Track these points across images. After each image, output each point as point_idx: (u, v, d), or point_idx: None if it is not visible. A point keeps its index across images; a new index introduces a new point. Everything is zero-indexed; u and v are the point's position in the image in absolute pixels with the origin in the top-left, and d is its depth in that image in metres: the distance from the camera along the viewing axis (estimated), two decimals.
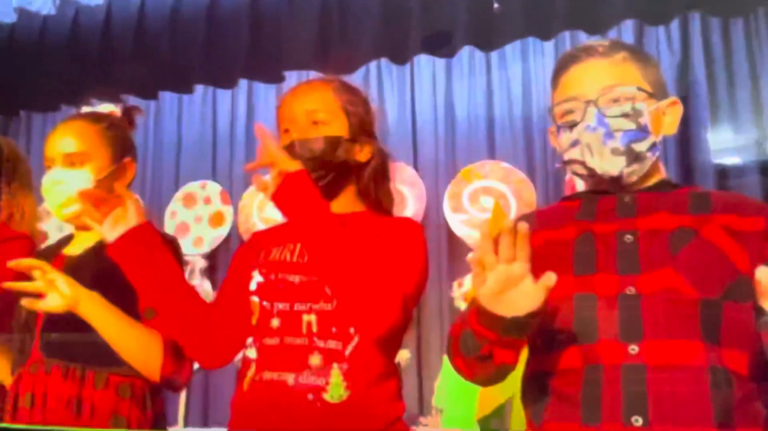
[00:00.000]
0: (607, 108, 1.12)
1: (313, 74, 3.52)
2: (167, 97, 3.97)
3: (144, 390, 1.37)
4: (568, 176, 3.33)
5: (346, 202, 1.31)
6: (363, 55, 3.36)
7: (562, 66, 1.18)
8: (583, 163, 1.14)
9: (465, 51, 3.51)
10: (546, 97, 3.54)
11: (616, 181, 1.14)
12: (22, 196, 1.76)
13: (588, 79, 1.14)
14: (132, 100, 3.64)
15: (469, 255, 3.30)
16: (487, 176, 3.45)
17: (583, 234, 1.12)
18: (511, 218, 3.09)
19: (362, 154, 1.31)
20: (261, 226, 3.73)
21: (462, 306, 3.15)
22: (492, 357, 1.03)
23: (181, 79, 3.62)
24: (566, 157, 1.16)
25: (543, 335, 1.07)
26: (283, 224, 1.37)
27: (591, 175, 1.15)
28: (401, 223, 1.30)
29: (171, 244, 1.39)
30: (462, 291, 3.27)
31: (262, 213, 3.69)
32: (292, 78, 3.46)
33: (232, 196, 3.80)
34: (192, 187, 3.85)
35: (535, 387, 1.11)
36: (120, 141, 1.49)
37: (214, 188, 3.82)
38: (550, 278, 0.94)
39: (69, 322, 1.32)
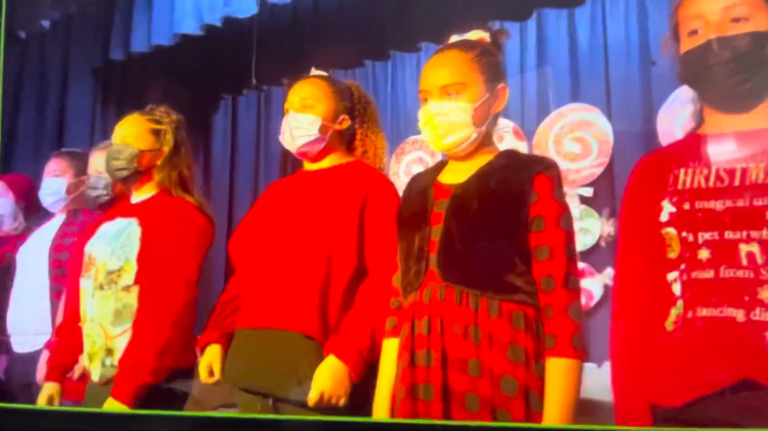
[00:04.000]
0: None
1: None
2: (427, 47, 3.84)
3: (537, 319, 1.33)
4: None
5: (755, 117, 1.17)
6: None
7: None
8: None
9: None
10: None
11: None
12: (373, 134, 1.89)
13: None
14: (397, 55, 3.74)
15: None
16: None
17: None
18: None
19: None
20: (558, 160, 3.55)
21: None
22: None
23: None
24: None
25: None
26: (685, 141, 1.25)
27: None
28: None
29: None
30: None
31: (558, 146, 3.55)
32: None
33: (524, 131, 3.68)
34: None
35: None
36: (492, 67, 1.46)
37: (506, 125, 3.71)
38: None
39: (463, 249, 1.35)
